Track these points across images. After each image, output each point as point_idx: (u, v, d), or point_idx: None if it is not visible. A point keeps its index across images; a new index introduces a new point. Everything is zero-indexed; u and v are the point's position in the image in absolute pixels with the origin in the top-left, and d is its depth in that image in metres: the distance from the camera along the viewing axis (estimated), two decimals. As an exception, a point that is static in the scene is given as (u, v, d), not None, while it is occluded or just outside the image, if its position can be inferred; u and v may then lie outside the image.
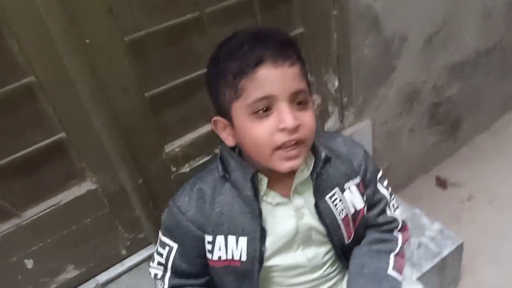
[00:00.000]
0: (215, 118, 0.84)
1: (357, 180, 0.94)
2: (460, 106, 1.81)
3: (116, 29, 0.89)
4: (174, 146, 1.08)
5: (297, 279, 0.94)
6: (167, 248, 0.90)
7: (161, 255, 0.91)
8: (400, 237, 1.00)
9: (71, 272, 1.04)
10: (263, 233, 0.86)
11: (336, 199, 0.91)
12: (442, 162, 1.93)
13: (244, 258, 0.87)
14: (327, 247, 0.95)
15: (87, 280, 1.08)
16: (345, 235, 0.93)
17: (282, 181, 0.87)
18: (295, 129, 0.76)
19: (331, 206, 0.90)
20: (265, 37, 0.77)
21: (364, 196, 0.95)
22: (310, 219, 0.90)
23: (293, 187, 0.87)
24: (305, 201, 0.89)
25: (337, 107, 1.37)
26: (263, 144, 0.77)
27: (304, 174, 0.88)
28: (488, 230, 1.64)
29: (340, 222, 0.91)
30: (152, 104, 1.01)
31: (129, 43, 0.92)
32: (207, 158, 1.15)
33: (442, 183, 1.85)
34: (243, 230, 0.86)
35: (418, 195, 1.82)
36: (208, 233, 0.87)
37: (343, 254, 0.97)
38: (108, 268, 1.10)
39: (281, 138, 0.76)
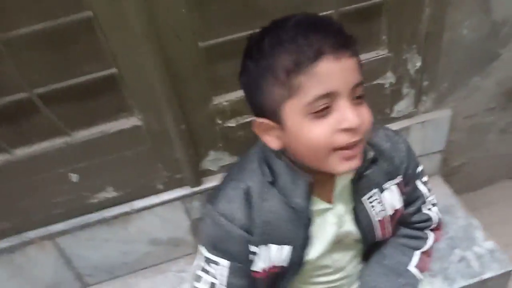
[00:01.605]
0: (255, 120, 0.73)
1: (398, 179, 0.86)
2: None
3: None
4: (224, 99, 1.07)
5: (319, 279, 0.92)
6: (216, 267, 0.80)
7: (209, 273, 0.80)
8: (431, 236, 0.95)
9: (110, 193, 1.14)
10: (307, 241, 0.81)
11: (374, 200, 0.84)
12: (534, 172, 1.68)
13: (285, 264, 0.82)
14: (355, 249, 0.91)
15: (123, 203, 1.17)
16: (378, 235, 0.88)
17: (324, 185, 0.80)
18: (359, 129, 0.67)
19: (368, 208, 0.84)
20: (320, 26, 0.66)
21: (403, 195, 0.88)
22: (350, 226, 0.84)
23: (335, 191, 0.81)
24: (346, 206, 0.83)
25: (414, 89, 1.22)
26: (322, 146, 0.67)
27: (348, 176, 0.80)
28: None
29: (375, 224, 0.86)
30: (207, 55, 0.99)
31: (189, -11, 0.89)
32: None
33: (525, 195, 1.62)
34: (289, 240, 0.80)
35: (493, 200, 1.63)
36: (253, 244, 0.79)
37: (369, 250, 0.94)
38: (144, 197, 1.18)
39: (343, 138, 0.66)
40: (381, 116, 1.25)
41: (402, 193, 0.88)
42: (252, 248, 0.79)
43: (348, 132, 0.66)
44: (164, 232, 1.27)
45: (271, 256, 0.81)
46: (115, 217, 1.18)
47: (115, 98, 1.00)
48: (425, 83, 1.22)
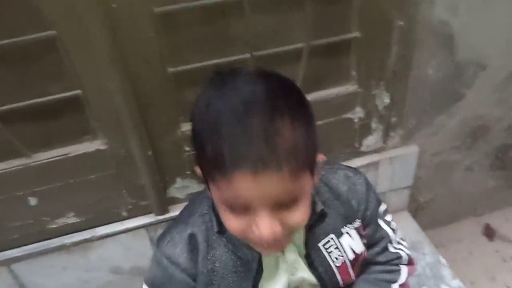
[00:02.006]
0: (197, 170, 0.68)
1: (357, 223, 0.84)
2: (538, 155, 1.56)
3: (147, -1, 0.87)
4: (192, 126, 1.07)
5: None
6: None
7: None
8: (404, 269, 0.91)
9: (71, 218, 1.10)
10: None
11: (331, 246, 0.82)
12: (498, 210, 1.71)
13: None
14: None
15: (85, 229, 1.13)
16: (341, 281, 0.85)
17: None
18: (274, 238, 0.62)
19: (325, 253, 0.81)
20: (250, 126, 0.56)
21: (363, 238, 0.86)
22: (303, 273, 0.82)
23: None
24: (298, 252, 0.81)
25: (382, 125, 1.24)
26: (238, 235, 0.66)
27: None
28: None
29: (335, 270, 0.83)
30: (175, 81, 0.99)
31: (159, 15, 0.89)
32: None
33: (489, 233, 1.64)
34: None
35: (458, 237, 1.64)
36: None
37: None
38: (107, 223, 1.14)
39: (257, 240, 0.63)
40: (350, 149, 1.27)
41: (362, 236, 0.85)
42: None
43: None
44: (126, 261, 1.23)
45: None
46: (76, 244, 1.13)
47: (79, 120, 0.98)
48: (393, 119, 1.24)
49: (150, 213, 1.16)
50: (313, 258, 0.80)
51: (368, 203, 0.85)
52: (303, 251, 0.80)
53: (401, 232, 0.95)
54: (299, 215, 0.64)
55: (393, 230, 0.90)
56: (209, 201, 0.78)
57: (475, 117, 1.36)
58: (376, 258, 0.90)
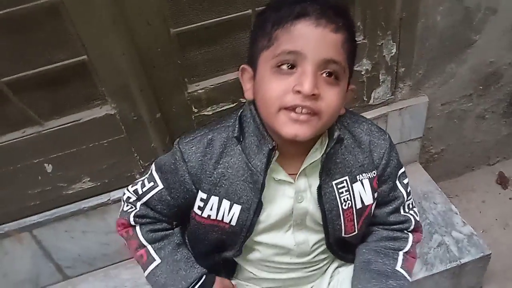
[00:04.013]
0: (243, 65, 0.80)
1: (372, 174, 0.85)
2: (552, 100, 1.53)
3: (145, -42, 0.86)
4: (199, 87, 1.07)
5: (281, 258, 0.91)
6: (151, 184, 0.86)
7: (143, 185, 0.87)
8: (411, 237, 0.92)
9: (86, 183, 1.13)
10: (259, 206, 0.82)
11: (343, 187, 0.84)
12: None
13: (233, 223, 0.84)
14: (319, 236, 0.89)
15: (101, 194, 1.16)
16: (343, 227, 0.87)
17: (293, 159, 0.82)
18: (311, 98, 0.69)
19: (336, 192, 0.83)
20: None
21: (376, 193, 0.87)
22: (309, 204, 0.84)
23: (301, 168, 0.81)
24: (309, 183, 0.83)
25: (390, 76, 1.23)
26: (273, 101, 0.71)
27: (317, 155, 0.81)
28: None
29: (341, 211, 0.85)
30: (179, 41, 0.99)
31: (158, -26, 0.88)
32: (232, 106, 1.12)
33: (503, 181, 1.64)
34: (240, 198, 0.82)
35: (472, 187, 1.64)
36: (203, 191, 0.83)
37: (337, 245, 0.91)
38: (122, 187, 1.17)
39: (292, 100, 0.70)
40: (359, 103, 1.26)
41: (375, 190, 0.87)
42: (202, 195, 0.83)
43: (298, 95, 0.69)
44: (143, 223, 1.26)
45: (220, 208, 0.83)
46: (93, 208, 1.17)
47: (86, 86, 0.99)
48: (401, 70, 1.23)
49: (163, 175, 1.18)
50: (323, 193, 0.82)
51: (390, 161, 0.86)
52: (315, 184, 0.82)
53: (412, 199, 0.94)
54: (335, 95, 0.72)
55: (408, 194, 0.91)
56: (239, 114, 0.83)
57: (486, 64, 1.33)
58: (387, 217, 0.91)
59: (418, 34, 1.16)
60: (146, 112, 1.03)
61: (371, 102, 1.27)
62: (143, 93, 1.00)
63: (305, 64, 0.69)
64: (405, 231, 0.92)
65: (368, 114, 1.27)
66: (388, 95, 1.28)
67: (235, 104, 1.12)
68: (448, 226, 1.26)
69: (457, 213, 1.30)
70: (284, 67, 0.70)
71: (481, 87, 1.39)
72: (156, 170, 0.87)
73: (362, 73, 1.19)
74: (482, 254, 1.19)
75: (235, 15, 0.98)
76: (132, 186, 0.90)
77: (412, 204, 0.94)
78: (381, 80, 1.23)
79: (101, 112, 1.03)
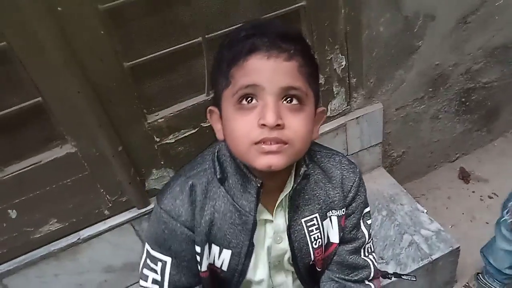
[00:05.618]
0: (210, 107, 0.80)
1: (341, 212, 0.86)
2: (499, 94, 1.62)
3: (90, -2, 0.87)
4: (158, 116, 1.08)
5: None
6: (160, 264, 0.81)
7: (154, 271, 0.82)
8: (372, 286, 0.93)
9: (54, 225, 1.12)
10: (250, 248, 0.81)
11: (313, 224, 0.84)
12: (470, 153, 1.78)
13: (224, 268, 0.83)
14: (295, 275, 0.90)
15: (70, 234, 1.15)
16: (314, 264, 0.88)
17: (270, 195, 0.81)
18: (277, 128, 0.68)
19: (305, 230, 0.83)
20: (266, 28, 0.72)
21: (341, 231, 0.87)
22: (286, 245, 0.84)
23: (278, 201, 0.81)
24: (285, 223, 0.83)
25: (343, 87, 1.28)
26: (241, 139, 0.70)
27: (290, 188, 0.80)
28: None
29: (311, 250, 0.85)
30: (133, 74, 1.00)
31: (104, 12, 0.90)
32: (193, 131, 1.14)
33: (465, 176, 1.71)
34: (230, 243, 0.81)
35: (436, 185, 1.71)
36: (197, 244, 0.80)
37: (309, 278, 0.92)
38: (91, 225, 1.16)
39: (260, 134, 0.68)
40: (317, 116, 1.30)
41: (342, 229, 0.87)
42: (197, 248, 0.80)
43: (264, 128, 0.68)
44: (117, 258, 1.25)
45: (210, 253, 0.82)
46: (63, 250, 1.15)
47: (44, 128, 0.99)
48: (353, 80, 1.28)
49: (132, 207, 1.18)
50: (292, 230, 0.82)
51: (357, 195, 0.87)
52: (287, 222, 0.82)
53: (372, 242, 0.95)
54: (300, 122, 0.71)
55: (369, 235, 0.92)
56: (213, 154, 0.82)
57: (432, 67, 1.40)
58: (347, 257, 0.90)
59: (365, 45, 1.22)
60: (107, 147, 1.04)
61: (328, 114, 1.31)
62: (102, 129, 1.01)
63: (264, 96, 0.68)
64: (367, 281, 0.92)
65: (328, 126, 1.32)
66: (344, 106, 1.32)
67: (196, 129, 1.14)
68: (417, 225, 1.30)
69: (423, 212, 1.34)
70: (245, 102, 0.70)
71: (431, 89, 1.47)
72: (153, 248, 0.82)
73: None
74: (451, 248, 1.23)
75: (186, 44, 1.01)
76: (145, 280, 0.83)
77: (371, 247, 0.93)
78: (335, 92, 1.28)
79: (62, 151, 1.03)
